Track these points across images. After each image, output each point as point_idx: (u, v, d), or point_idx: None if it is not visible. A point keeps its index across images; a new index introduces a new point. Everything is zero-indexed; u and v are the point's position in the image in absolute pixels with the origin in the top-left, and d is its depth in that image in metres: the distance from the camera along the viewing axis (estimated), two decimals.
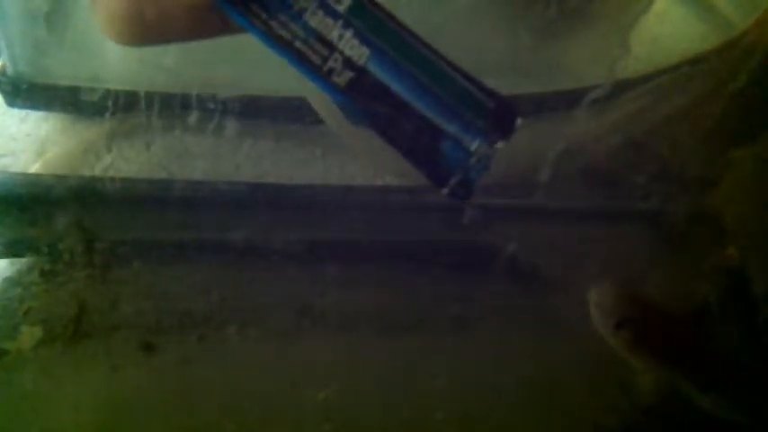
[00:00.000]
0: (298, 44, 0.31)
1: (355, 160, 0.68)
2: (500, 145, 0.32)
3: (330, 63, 0.31)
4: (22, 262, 0.61)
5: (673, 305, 0.58)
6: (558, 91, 0.64)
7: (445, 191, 0.32)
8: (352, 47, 0.31)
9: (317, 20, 0.31)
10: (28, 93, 0.68)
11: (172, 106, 0.65)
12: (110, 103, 0.65)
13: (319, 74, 0.31)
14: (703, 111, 0.62)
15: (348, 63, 0.31)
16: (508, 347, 0.59)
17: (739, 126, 0.61)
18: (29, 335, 0.56)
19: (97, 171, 0.67)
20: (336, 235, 0.64)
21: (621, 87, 0.62)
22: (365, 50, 0.31)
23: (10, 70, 0.67)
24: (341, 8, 0.31)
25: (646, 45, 0.64)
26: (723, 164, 0.61)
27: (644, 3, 0.64)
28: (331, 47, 0.31)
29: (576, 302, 0.57)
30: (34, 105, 0.69)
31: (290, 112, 0.68)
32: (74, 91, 0.66)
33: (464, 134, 0.32)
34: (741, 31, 0.64)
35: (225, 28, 0.33)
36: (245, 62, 0.60)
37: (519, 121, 0.32)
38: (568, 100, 0.62)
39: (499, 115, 0.32)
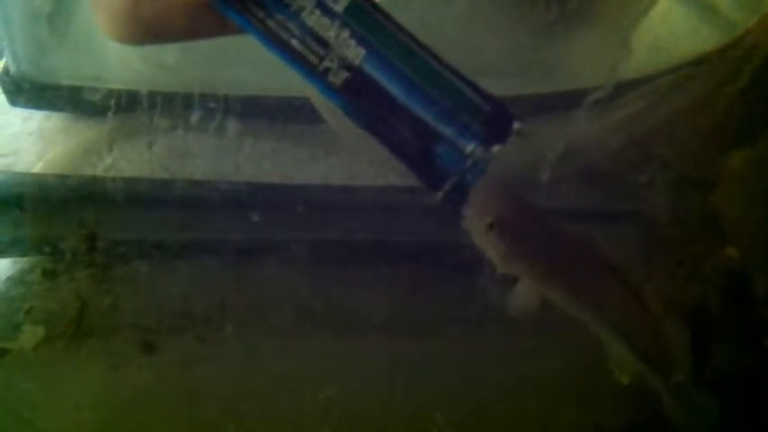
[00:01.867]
0: (294, 43, 0.31)
1: (357, 161, 0.68)
2: (496, 149, 0.31)
3: (326, 62, 0.31)
4: (24, 261, 0.61)
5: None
6: (559, 92, 0.64)
7: (440, 194, 0.32)
8: (348, 47, 0.31)
9: (314, 19, 0.31)
10: (30, 92, 0.68)
11: (173, 106, 0.65)
12: (112, 103, 0.65)
13: (315, 73, 0.31)
14: (704, 111, 0.62)
15: (344, 63, 0.31)
16: (508, 348, 0.59)
17: (740, 126, 0.61)
18: (31, 334, 0.56)
19: (99, 171, 0.67)
20: (337, 235, 0.64)
21: (623, 88, 0.62)
22: (361, 51, 0.31)
23: (13, 70, 0.67)
24: (338, 8, 0.31)
25: (647, 46, 0.64)
26: (724, 164, 0.61)
27: (645, 3, 0.64)
28: (327, 46, 0.31)
29: None
30: (37, 105, 0.70)
31: (292, 112, 0.68)
32: (76, 91, 0.67)
33: (459, 137, 0.31)
34: (742, 31, 0.64)
35: (223, 28, 0.33)
36: (246, 62, 0.60)
37: (515, 125, 0.32)
38: (569, 101, 0.62)
39: (495, 119, 0.32)
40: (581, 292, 0.48)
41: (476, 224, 0.46)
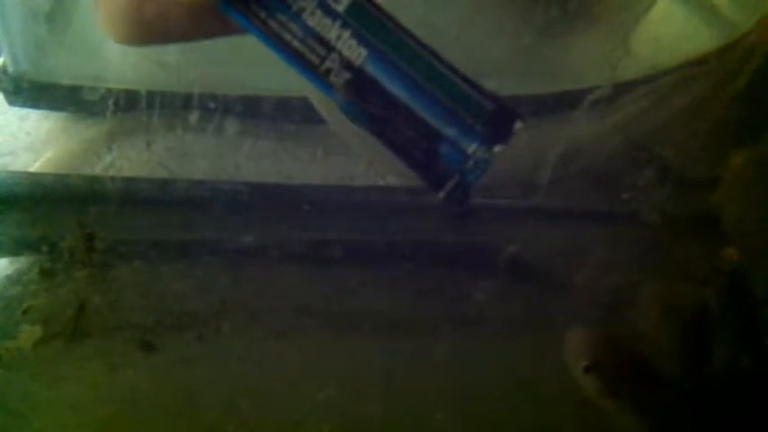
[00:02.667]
0: (296, 44, 0.31)
1: (357, 161, 0.68)
2: (498, 149, 0.31)
3: (328, 63, 0.31)
4: (21, 260, 0.61)
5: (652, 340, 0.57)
6: (558, 92, 0.64)
7: (442, 194, 0.32)
8: (349, 47, 0.31)
9: (315, 20, 0.31)
10: (29, 91, 0.68)
11: (173, 105, 0.65)
12: (111, 103, 0.65)
13: (317, 73, 0.31)
14: (704, 112, 0.62)
15: (345, 63, 0.31)
16: (508, 348, 0.59)
17: (740, 127, 0.61)
18: (28, 333, 0.56)
19: (98, 170, 0.67)
20: (337, 235, 0.64)
21: (622, 88, 0.62)
22: (363, 51, 0.31)
23: (11, 69, 0.67)
24: (339, 8, 0.31)
25: (647, 45, 0.64)
26: (724, 165, 0.61)
27: (645, 3, 0.64)
28: (329, 47, 0.31)
29: (575, 303, 0.57)
30: (35, 104, 0.70)
31: (292, 113, 0.68)
32: (75, 90, 0.66)
33: (462, 137, 0.31)
34: (743, 32, 0.64)
35: (225, 29, 0.33)
36: (246, 61, 0.60)
37: (518, 124, 0.32)
38: (569, 101, 0.62)
39: (498, 119, 0.31)
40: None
41: (573, 366, 0.52)
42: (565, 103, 0.63)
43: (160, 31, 0.33)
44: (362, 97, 0.31)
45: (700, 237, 0.62)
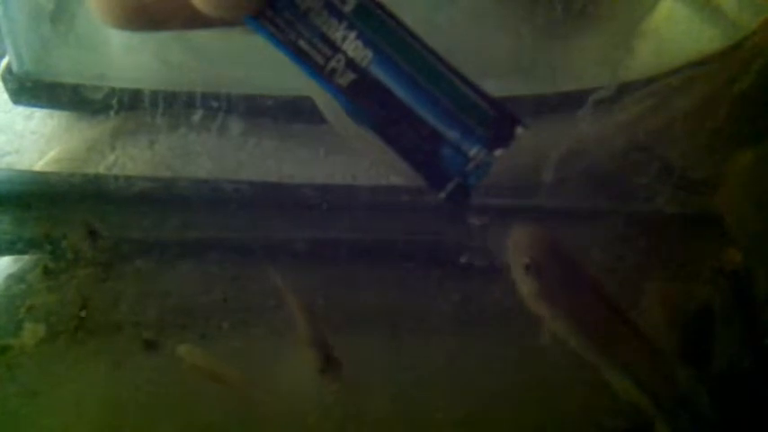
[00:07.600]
0: (301, 43, 0.31)
1: (359, 160, 0.68)
2: (499, 152, 0.32)
3: (333, 63, 0.31)
4: (25, 259, 0.61)
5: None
6: (561, 92, 0.64)
7: (443, 195, 0.32)
8: (355, 48, 0.31)
9: (321, 20, 0.31)
10: (33, 90, 0.68)
11: (176, 105, 0.65)
12: (114, 102, 0.65)
13: (321, 74, 0.31)
14: (707, 113, 0.62)
15: (351, 64, 0.31)
16: (510, 347, 0.59)
17: (743, 128, 0.61)
18: (31, 331, 0.56)
19: (101, 169, 0.67)
20: (339, 234, 0.64)
21: (625, 89, 0.62)
22: (368, 53, 0.31)
23: (15, 68, 0.67)
24: (346, 9, 0.31)
25: (650, 46, 0.64)
26: (727, 165, 0.61)
27: (648, 4, 0.64)
28: (334, 47, 0.31)
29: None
30: (39, 103, 0.70)
31: (295, 112, 0.68)
32: (79, 89, 0.67)
33: (464, 140, 0.32)
34: (747, 32, 0.64)
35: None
36: (249, 61, 0.60)
37: (519, 129, 0.32)
38: (572, 101, 0.62)
39: (499, 123, 0.32)
40: (596, 340, 0.51)
41: (514, 260, 0.51)
42: (567, 103, 0.63)
43: (155, 18, 0.32)
44: (367, 98, 0.31)
45: (702, 237, 0.62)
